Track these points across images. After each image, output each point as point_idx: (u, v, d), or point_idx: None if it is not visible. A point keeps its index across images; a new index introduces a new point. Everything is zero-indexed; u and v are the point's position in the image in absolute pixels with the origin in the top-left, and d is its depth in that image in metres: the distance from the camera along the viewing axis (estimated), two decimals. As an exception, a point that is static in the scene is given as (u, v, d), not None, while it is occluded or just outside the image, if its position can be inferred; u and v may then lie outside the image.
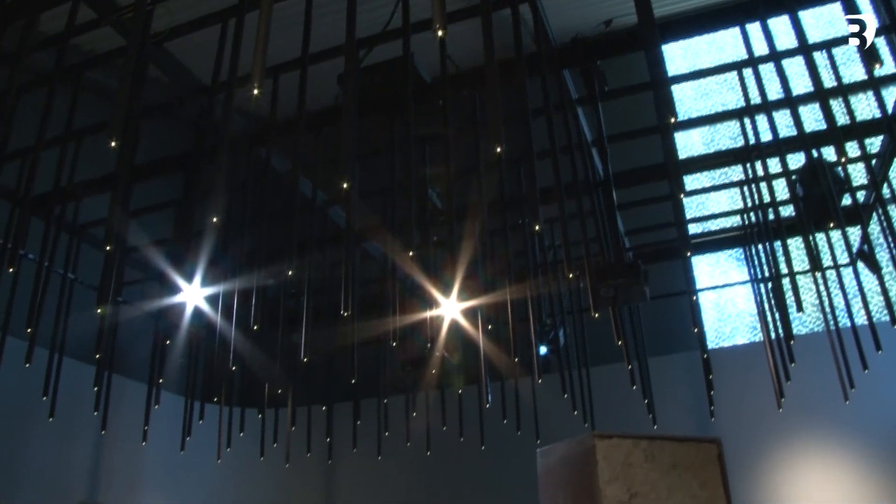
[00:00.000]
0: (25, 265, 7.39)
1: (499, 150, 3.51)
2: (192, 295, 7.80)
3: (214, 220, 4.23)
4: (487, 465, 10.11)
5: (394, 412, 9.52)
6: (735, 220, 10.30)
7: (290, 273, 6.04)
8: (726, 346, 11.08)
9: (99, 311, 6.91)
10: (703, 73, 9.18)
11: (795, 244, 10.02)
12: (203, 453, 9.55)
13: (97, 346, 7.48)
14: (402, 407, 9.48)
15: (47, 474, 8.66)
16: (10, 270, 6.58)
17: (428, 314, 7.81)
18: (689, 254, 8.56)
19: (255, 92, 3.47)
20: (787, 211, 8.93)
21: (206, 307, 7.93)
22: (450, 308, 7.70)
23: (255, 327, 6.84)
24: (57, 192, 7.41)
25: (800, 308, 6.43)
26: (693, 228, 10.63)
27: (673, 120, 3.56)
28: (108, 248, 5.27)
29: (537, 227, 5.40)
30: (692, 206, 11.38)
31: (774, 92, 7.47)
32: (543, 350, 8.75)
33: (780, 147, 6.88)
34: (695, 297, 8.23)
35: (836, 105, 7.19)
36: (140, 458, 9.55)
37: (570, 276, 5.32)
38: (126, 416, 9.11)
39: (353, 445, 9.21)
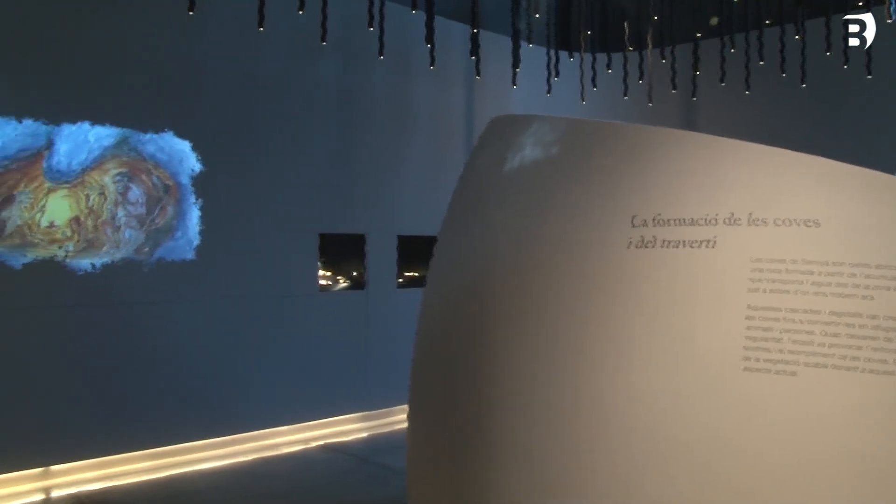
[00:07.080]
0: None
1: None
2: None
3: None
4: (874, 99, 9.04)
5: (769, 41, 8.60)
6: None
7: None
8: None
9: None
10: None
11: None
12: (568, 94, 9.88)
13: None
14: (777, 36, 8.61)
15: (431, 120, 9.65)
16: None
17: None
18: None
19: None
20: None
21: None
22: None
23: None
24: None
25: None
26: None
27: None
28: None
29: None
30: None
31: None
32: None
33: None
34: None
35: None
36: (509, 103, 10.16)
37: None
38: (494, 66, 9.62)
39: (721, 80, 8.81)
